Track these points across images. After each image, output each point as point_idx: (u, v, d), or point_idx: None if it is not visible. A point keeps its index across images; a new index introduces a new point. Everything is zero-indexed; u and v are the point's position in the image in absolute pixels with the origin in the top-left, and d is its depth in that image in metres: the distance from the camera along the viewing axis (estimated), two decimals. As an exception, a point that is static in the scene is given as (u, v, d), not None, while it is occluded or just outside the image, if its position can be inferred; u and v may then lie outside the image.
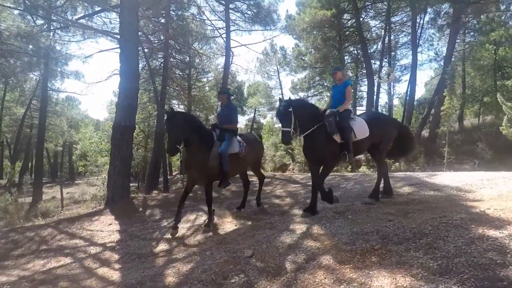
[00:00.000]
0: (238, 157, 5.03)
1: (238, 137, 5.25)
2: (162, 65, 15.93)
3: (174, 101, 20.74)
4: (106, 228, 4.83)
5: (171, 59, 16.45)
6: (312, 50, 22.30)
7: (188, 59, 17.14)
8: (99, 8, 10.11)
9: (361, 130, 4.89)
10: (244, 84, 32.20)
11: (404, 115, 19.39)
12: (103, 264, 3.92)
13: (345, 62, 20.71)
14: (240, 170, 5.59)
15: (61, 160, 40.91)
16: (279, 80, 29.90)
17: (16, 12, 10.75)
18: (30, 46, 12.55)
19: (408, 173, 8.63)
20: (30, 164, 29.13)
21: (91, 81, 28.93)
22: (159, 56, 16.43)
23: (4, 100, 22.48)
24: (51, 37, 13.02)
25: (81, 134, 28.33)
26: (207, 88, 22.06)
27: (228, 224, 4.99)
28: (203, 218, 5.43)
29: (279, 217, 5.00)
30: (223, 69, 15.25)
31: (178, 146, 4.34)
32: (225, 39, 14.55)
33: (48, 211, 11.16)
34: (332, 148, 4.66)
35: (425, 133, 17.05)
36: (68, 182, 26.59)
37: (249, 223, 4.65)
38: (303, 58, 24.26)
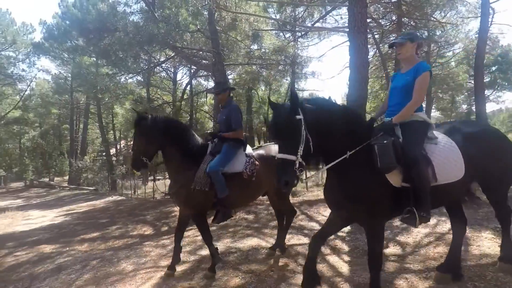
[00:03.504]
0: (242, 178, 3.54)
1: (249, 150, 3.78)
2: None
3: (410, 85, 18.93)
4: (338, 217, 5.05)
5: (405, 39, 14.95)
6: None
7: (426, 34, 14.87)
8: (330, 8, 10.84)
9: (447, 164, 2.37)
10: (512, 48, 23.61)
11: None
12: (334, 252, 4.10)
13: None
14: (249, 198, 4.08)
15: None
16: None
17: (272, 32, 13.66)
18: (282, 57, 15.57)
19: None
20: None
21: (326, 77, 32.19)
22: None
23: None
24: (296, 46, 15.56)
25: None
26: (452, 63, 18.43)
27: (485, 241, 3.76)
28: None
29: None
30: (477, 35, 11.94)
31: (144, 159, 3.39)
32: (480, -6, 11.21)
33: (296, 191, 13.49)
34: (381, 197, 2.31)
35: None
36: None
37: None
38: None
